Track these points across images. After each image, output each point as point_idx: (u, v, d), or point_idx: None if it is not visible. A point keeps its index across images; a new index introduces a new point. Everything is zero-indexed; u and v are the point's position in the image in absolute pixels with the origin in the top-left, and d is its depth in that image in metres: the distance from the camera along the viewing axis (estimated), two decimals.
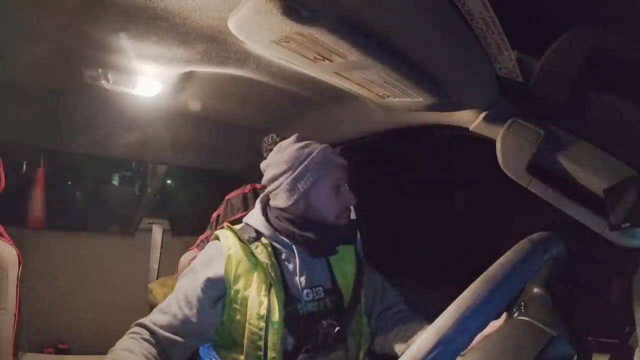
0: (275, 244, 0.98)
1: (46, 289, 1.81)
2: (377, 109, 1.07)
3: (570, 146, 0.78)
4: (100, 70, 1.07)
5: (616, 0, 0.58)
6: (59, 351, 1.84)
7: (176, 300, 0.92)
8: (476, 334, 0.44)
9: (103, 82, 1.12)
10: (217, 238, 1.00)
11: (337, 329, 0.91)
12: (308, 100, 1.19)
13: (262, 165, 1.03)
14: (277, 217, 0.99)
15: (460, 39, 0.62)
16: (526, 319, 0.52)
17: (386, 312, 1.06)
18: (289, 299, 0.92)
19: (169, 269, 1.92)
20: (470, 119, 0.91)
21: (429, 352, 0.41)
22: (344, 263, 1.03)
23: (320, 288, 0.97)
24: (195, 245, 1.28)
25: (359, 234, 1.50)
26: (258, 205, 1.04)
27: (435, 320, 0.45)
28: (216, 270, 0.93)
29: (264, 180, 1.02)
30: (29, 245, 1.54)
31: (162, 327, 0.88)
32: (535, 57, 0.69)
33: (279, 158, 0.99)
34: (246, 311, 0.90)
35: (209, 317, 0.91)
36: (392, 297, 1.09)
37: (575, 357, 0.55)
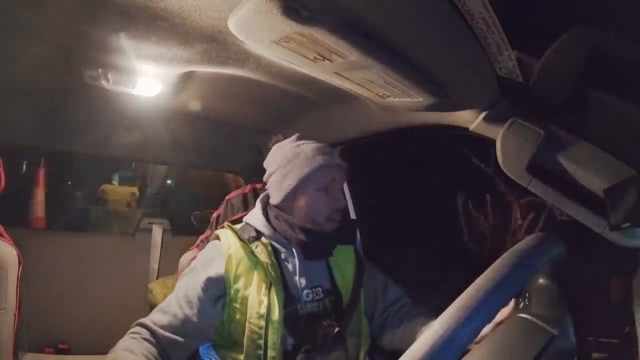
0: (274, 243, 0.98)
1: (46, 289, 1.81)
2: (377, 109, 1.07)
3: (570, 146, 0.78)
4: (100, 70, 1.07)
5: (616, 0, 0.58)
6: (59, 351, 1.84)
7: (176, 300, 0.92)
8: (476, 335, 0.44)
9: (103, 82, 1.12)
10: (217, 237, 1.00)
11: (336, 329, 0.91)
12: (308, 100, 1.19)
13: (264, 164, 1.05)
14: (276, 217, 0.99)
15: (460, 39, 0.62)
16: (527, 317, 0.52)
17: (391, 308, 1.06)
18: (289, 298, 0.92)
19: (169, 269, 1.92)
20: (470, 119, 0.91)
21: (428, 355, 0.41)
22: (344, 264, 1.02)
23: (320, 289, 0.97)
24: (195, 245, 1.28)
25: (358, 234, 1.51)
26: (258, 204, 1.04)
27: (435, 322, 0.45)
28: (216, 269, 0.93)
29: (264, 178, 1.04)
30: (29, 245, 1.54)
31: (162, 326, 0.88)
32: (535, 57, 0.69)
33: (274, 156, 1.01)
34: (246, 310, 0.90)
35: (209, 317, 0.91)
36: (395, 292, 1.08)
37: (576, 357, 0.55)
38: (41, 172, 2.50)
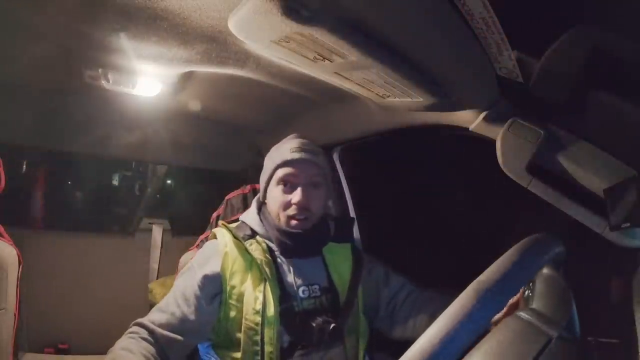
0: (268, 242, 0.99)
1: (46, 289, 1.81)
2: (377, 109, 1.07)
3: (570, 146, 0.78)
4: (100, 70, 1.07)
5: (616, 0, 0.58)
6: (59, 351, 1.84)
7: (174, 299, 0.93)
8: (474, 336, 0.44)
9: (103, 82, 1.12)
10: (214, 236, 1.02)
11: (332, 325, 0.91)
12: (308, 100, 1.19)
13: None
14: (264, 215, 1.02)
15: (460, 39, 0.62)
16: (524, 317, 0.51)
17: (396, 299, 1.04)
18: (285, 295, 0.93)
19: (169, 269, 1.92)
20: (470, 119, 0.91)
21: (431, 353, 0.41)
22: (340, 262, 1.02)
23: (317, 286, 0.97)
24: (195, 245, 1.28)
25: (359, 234, 1.50)
26: (254, 203, 1.06)
27: (433, 323, 0.45)
28: (213, 267, 0.95)
29: None
30: (29, 245, 1.54)
31: (160, 325, 0.89)
32: (535, 57, 0.69)
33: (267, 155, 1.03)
34: (242, 307, 0.91)
35: (206, 314, 0.92)
36: (397, 281, 1.07)
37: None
38: (41, 172, 2.50)
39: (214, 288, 0.94)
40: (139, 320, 0.91)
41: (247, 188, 1.41)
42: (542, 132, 0.79)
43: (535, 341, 0.47)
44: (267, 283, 0.91)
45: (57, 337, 1.85)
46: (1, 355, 1.09)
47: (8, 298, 1.11)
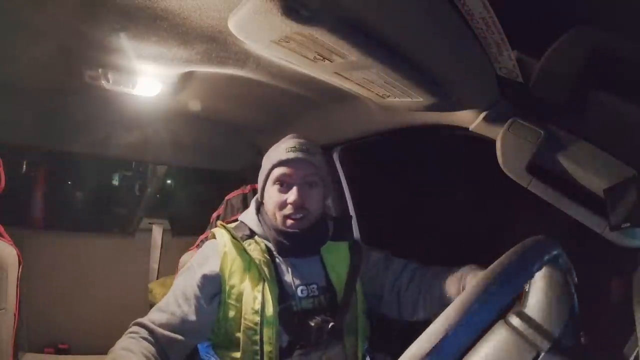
0: (266, 242, 0.99)
1: (46, 289, 1.81)
2: (377, 109, 1.07)
3: (570, 146, 0.78)
4: (100, 70, 1.07)
5: (616, 0, 0.58)
6: (59, 351, 1.84)
7: (174, 298, 0.93)
8: (471, 339, 0.44)
9: (103, 82, 1.12)
10: (214, 236, 1.02)
11: (331, 325, 0.91)
12: (308, 100, 1.19)
13: None
14: (264, 215, 1.01)
15: (460, 39, 0.62)
16: (515, 326, 0.50)
17: (400, 282, 1.02)
18: (283, 295, 0.93)
19: (169, 269, 1.92)
20: (470, 119, 0.91)
21: (427, 356, 0.41)
22: (338, 261, 1.02)
23: (315, 286, 0.97)
24: (195, 245, 1.28)
25: (359, 233, 1.50)
26: (253, 203, 1.07)
27: (431, 325, 0.45)
28: (212, 267, 0.95)
29: None
30: (29, 245, 1.54)
31: (160, 325, 0.89)
32: (535, 57, 0.69)
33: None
34: (241, 307, 0.91)
35: (206, 314, 0.92)
36: (399, 263, 1.05)
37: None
38: (41, 172, 2.50)
39: (213, 288, 0.94)
40: (139, 320, 0.91)
41: (247, 188, 1.41)
42: (542, 132, 0.79)
43: (522, 357, 0.46)
44: (266, 283, 0.91)
45: (57, 337, 1.85)
46: (1, 355, 1.09)
47: (8, 298, 1.11)
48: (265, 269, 0.92)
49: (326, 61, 0.72)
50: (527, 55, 0.70)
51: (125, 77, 1.10)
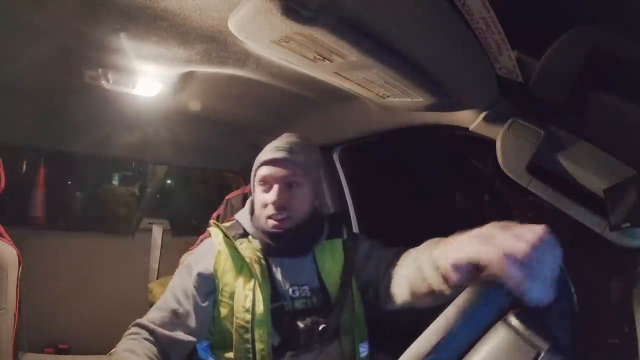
0: (258, 241, 0.99)
1: (46, 289, 1.81)
2: (377, 109, 1.07)
3: (570, 146, 0.78)
4: (100, 70, 1.07)
5: (616, 0, 0.58)
6: (59, 351, 1.84)
7: (171, 296, 0.94)
8: (471, 339, 0.44)
9: (103, 82, 1.12)
10: (210, 235, 1.03)
11: (321, 326, 0.90)
12: (308, 100, 1.19)
13: None
14: (255, 215, 1.01)
15: (460, 39, 0.62)
16: (514, 326, 0.50)
17: (379, 268, 0.96)
18: (275, 295, 0.93)
19: (169, 269, 1.92)
20: (470, 119, 0.91)
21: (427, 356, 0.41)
22: (331, 260, 1.01)
23: (307, 287, 0.97)
24: (195, 245, 1.28)
25: (358, 229, 1.50)
26: (248, 203, 1.06)
27: (431, 325, 0.45)
28: (206, 265, 0.95)
29: None
30: (29, 245, 1.54)
31: (160, 325, 0.90)
32: (535, 57, 0.69)
33: None
34: (234, 305, 0.91)
35: (203, 312, 0.93)
36: (382, 250, 1.00)
37: None
38: (41, 172, 2.50)
39: (208, 286, 0.95)
40: (139, 320, 0.92)
41: (247, 188, 1.42)
42: (542, 132, 0.79)
43: (522, 357, 0.46)
44: (256, 281, 0.91)
45: (57, 337, 1.85)
46: (1, 355, 1.09)
47: (8, 298, 1.11)
48: (256, 268, 0.92)
49: (326, 61, 0.72)
50: (527, 55, 0.70)
51: (125, 77, 1.10)
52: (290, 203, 0.95)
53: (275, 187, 0.94)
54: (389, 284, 0.88)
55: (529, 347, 0.47)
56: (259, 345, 0.88)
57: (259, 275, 0.91)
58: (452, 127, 0.98)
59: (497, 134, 0.84)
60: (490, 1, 0.53)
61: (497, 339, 0.48)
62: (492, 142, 0.86)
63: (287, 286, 0.95)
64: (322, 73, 0.82)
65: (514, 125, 0.82)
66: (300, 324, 0.90)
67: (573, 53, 0.64)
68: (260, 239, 0.98)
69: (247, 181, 1.48)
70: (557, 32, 0.64)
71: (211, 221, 1.05)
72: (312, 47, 0.66)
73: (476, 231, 0.57)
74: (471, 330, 0.44)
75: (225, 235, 0.98)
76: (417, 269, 0.75)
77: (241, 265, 0.95)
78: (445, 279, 0.62)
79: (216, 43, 0.84)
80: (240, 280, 0.93)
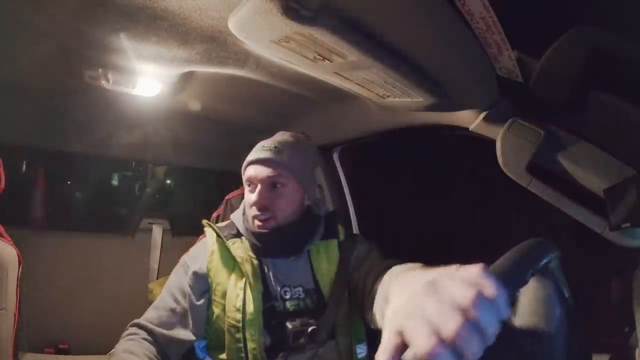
0: (250, 242, 0.99)
1: (46, 289, 1.81)
2: (377, 109, 1.07)
3: (570, 146, 0.78)
4: (100, 70, 1.07)
5: (616, 0, 0.58)
6: (59, 351, 1.83)
7: (168, 295, 0.94)
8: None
9: (103, 82, 1.12)
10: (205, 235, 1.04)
11: (311, 328, 0.90)
12: (308, 100, 1.19)
13: None
14: (245, 216, 1.01)
15: (460, 39, 0.62)
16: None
17: (368, 278, 0.92)
18: (267, 295, 0.93)
19: (169, 269, 1.91)
20: (470, 119, 0.91)
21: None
22: (326, 261, 1.00)
23: (300, 288, 0.96)
24: (195, 245, 1.28)
25: (358, 233, 1.50)
26: (242, 203, 1.06)
27: None
28: (201, 264, 0.96)
29: None
30: (29, 245, 1.54)
31: (158, 324, 0.90)
32: (535, 57, 0.69)
33: None
34: (225, 305, 0.92)
35: (198, 311, 0.93)
36: (375, 259, 0.98)
37: None
38: (41, 172, 2.50)
39: (202, 285, 0.95)
40: (137, 320, 0.92)
41: None
42: (542, 132, 0.79)
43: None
44: (247, 281, 0.91)
45: (57, 337, 1.85)
46: (1, 355, 1.09)
47: (8, 298, 1.11)
48: (248, 267, 0.92)
49: (326, 61, 0.72)
50: (527, 55, 0.70)
51: (125, 77, 1.10)
52: (274, 203, 0.94)
53: (259, 187, 0.94)
54: (372, 304, 0.83)
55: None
56: (250, 345, 0.88)
57: (250, 275, 0.91)
58: (452, 127, 0.98)
59: (497, 134, 0.84)
60: (490, 1, 0.53)
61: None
62: (492, 142, 0.86)
63: (279, 287, 0.95)
64: (322, 73, 0.82)
65: (514, 125, 0.82)
66: (289, 325, 0.89)
67: (573, 53, 0.64)
68: (248, 239, 0.98)
69: None
70: (557, 32, 0.64)
71: (204, 221, 1.05)
72: (312, 47, 0.66)
73: (420, 281, 0.46)
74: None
75: (218, 236, 0.98)
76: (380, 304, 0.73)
77: (233, 265, 0.95)
78: None
79: (216, 43, 0.84)
80: (232, 279, 0.93)
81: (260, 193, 0.93)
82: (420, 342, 0.36)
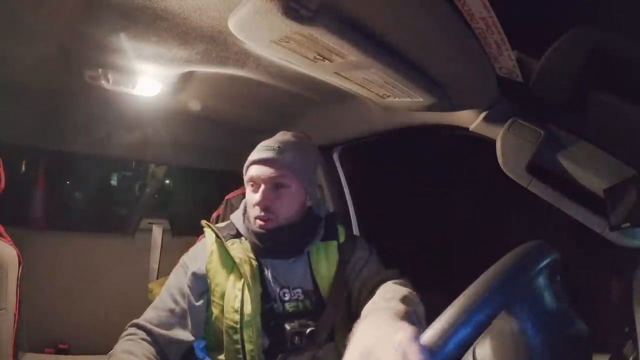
0: (250, 243, 0.98)
1: (46, 289, 1.81)
2: (377, 109, 1.07)
3: (570, 146, 0.78)
4: (100, 70, 1.07)
5: (616, 0, 0.58)
6: (59, 351, 1.83)
7: (168, 296, 0.94)
8: (463, 348, 0.44)
9: (103, 82, 1.12)
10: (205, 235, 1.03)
11: (309, 330, 0.90)
12: (308, 100, 1.19)
13: None
14: (247, 216, 1.01)
15: (460, 39, 0.62)
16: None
17: (363, 290, 0.96)
18: (265, 296, 0.92)
19: (169, 269, 1.91)
20: (470, 119, 0.91)
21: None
22: (326, 262, 1.00)
23: (299, 290, 0.96)
24: (194, 245, 1.28)
25: (358, 233, 1.50)
26: (242, 203, 1.06)
27: (433, 324, 0.45)
28: (200, 265, 0.96)
29: None
30: (29, 245, 1.54)
31: (157, 324, 0.90)
32: (535, 57, 0.69)
33: None
34: (224, 306, 0.91)
35: (197, 311, 0.93)
36: (374, 268, 1.00)
37: None
38: (41, 172, 2.50)
39: (201, 286, 0.95)
40: (136, 321, 0.92)
41: None
42: (542, 132, 0.79)
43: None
44: (245, 282, 0.91)
45: (57, 337, 1.85)
46: (1, 355, 1.09)
47: (8, 298, 1.11)
48: (247, 268, 0.92)
49: (326, 61, 0.72)
50: (527, 55, 0.70)
51: (125, 77, 1.10)
52: (276, 204, 0.94)
53: (262, 187, 0.94)
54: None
55: None
56: (248, 346, 0.87)
57: (248, 276, 0.91)
58: (452, 127, 0.98)
59: (497, 134, 0.84)
60: (490, 1, 0.53)
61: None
62: (492, 142, 0.86)
63: (278, 288, 0.95)
64: (322, 73, 0.82)
65: (514, 125, 0.82)
66: (287, 327, 0.89)
67: (573, 53, 0.64)
68: (249, 240, 0.98)
69: None
70: (557, 32, 0.64)
71: (203, 222, 1.04)
72: (312, 47, 0.66)
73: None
74: (460, 339, 0.43)
75: (217, 236, 0.98)
76: None
77: (232, 266, 0.94)
78: None
79: (216, 43, 0.84)
80: (231, 280, 0.93)
81: (263, 193, 0.93)
82: None
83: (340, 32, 0.59)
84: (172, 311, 0.92)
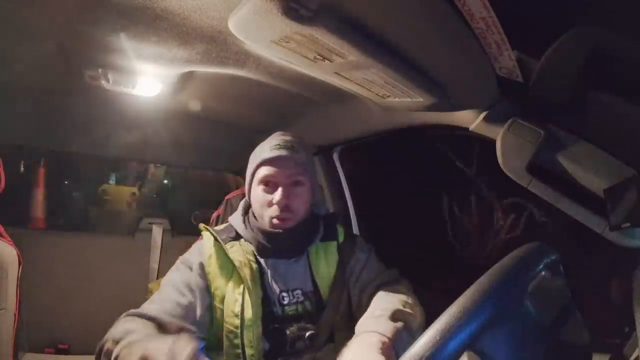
0: (251, 244, 0.97)
1: (46, 289, 1.81)
2: (377, 109, 1.07)
3: (570, 146, 0.78)
4: (100, 70, 1.07)
5: (616, 0, 0.58)
6: (59, 351, 1.84)
7: (172, 289, 0.91)
8: (461, 351, 0.44)
9: (103, 82, 1.12)
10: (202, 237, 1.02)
11: (309, 333, 0.89)
12: (308, 100, 1.19)
13: None
14: (250, 216, 1.00)
15: (460, 39, 0.62)
16: None
17: (363, 294, 0.97)
18: (266, 300, 0.91)
19: (169, 269, 1.91)
20: (470, 119, 0.91)
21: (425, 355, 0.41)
22: (324, 263, 0.99)
23: (299, 292, 0.95)
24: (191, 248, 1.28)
25: (358, 233, 1.50)
26: (241, 205, 1.05)
27: (421, 335, 0.45)
28: (200, 269, 0.94)
29: None
30: (29, 245, 1.54)
31: (161, 313, 0.86)
32: (535, 57, 0.69)
33: None
34: (224, 309, 0.90)
35: (205, 305, 0.90)
36: (373, 271, 1.00)
37: None
38: (41, 172, 2.50)
39: (205, 286, 0.93)
40: (133, 310, 0.89)
41: None
42: (542, 132, 0.79)
43: None
44: (245, 286, 0.90)
45: (57, 337, 1.85)
46: (1, 355, 1.09)
47: (8, 298, 1.11)
48: (247, 272, 0.90)
49: (326, 61, 0.72)
50: (527, 55, 0.70)
51: (125, 77, 1.10)
52: (294, 203, 0.94)
53: (281, 186, 0.93)
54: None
55: None
56: (248, 351, 0.86)
57: (248, 279, 0.90)
58: (452, 127, 0.98)
59: (497, 134, 0.84)
60: (490, 1, 0.53)
61: None
62: (492, 142, 0.86)
63: (278, 291, 0.94)
64: (322, 73, 0.82)
65: (514, 125, 0.82)
66: (288, 331, 0.89)
67: (573, 53, 0.64)
68: (255, 240, 0.96)
69: None
70: (557, 32, 0.64)
71: (201, 225, 1.03)
72: (312, 47, 0.66)
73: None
74: (461, 339, 0.43)
75: (215, 239, 0.97)
76: None
77: (232, 270, 0.93)
78: None
79: (216, 43, 0.84)
80: (231, 284, 0.91)
81: (283, 192, 0.92)
82: None
83: (340, 32, 0.59)
84: (178, 303, 0.87)
